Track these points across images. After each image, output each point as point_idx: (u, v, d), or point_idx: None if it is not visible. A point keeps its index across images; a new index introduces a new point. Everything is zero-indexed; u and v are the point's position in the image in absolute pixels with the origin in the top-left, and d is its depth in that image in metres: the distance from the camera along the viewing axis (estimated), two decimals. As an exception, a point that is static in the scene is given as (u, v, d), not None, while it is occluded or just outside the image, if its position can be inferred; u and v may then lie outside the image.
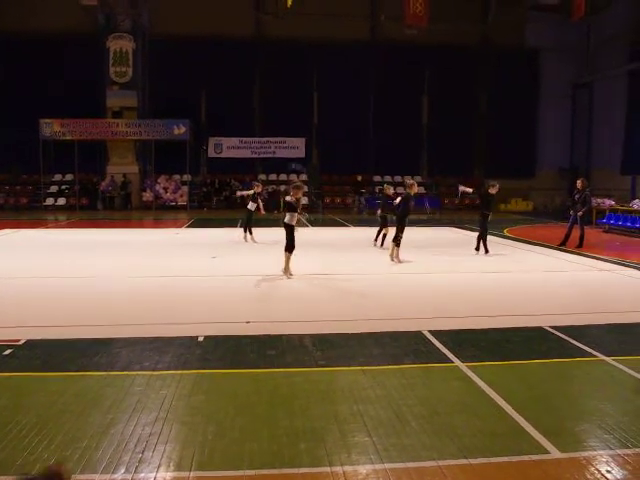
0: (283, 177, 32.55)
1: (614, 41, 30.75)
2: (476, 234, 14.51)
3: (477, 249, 14.20)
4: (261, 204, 16.28)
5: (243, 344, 6.86)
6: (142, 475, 4.01)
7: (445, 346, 6.80)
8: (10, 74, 30.15)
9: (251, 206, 16.08)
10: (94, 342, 6.87)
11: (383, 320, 7.97)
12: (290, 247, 10.89)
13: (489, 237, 14.38)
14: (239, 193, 19.10)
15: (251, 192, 16.25)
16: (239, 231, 17.35)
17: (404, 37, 29.62)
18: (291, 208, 10.87)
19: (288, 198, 10.98)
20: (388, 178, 33.33)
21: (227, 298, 9.46)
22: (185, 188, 31.54)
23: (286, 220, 10.89)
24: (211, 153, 32.30)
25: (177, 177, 32.03)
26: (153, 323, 7.81)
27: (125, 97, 30.59)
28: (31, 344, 6.79)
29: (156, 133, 30.46)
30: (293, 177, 31.41)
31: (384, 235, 15.18)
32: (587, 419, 5.00)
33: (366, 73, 32.54)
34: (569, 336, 7.24)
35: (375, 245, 15.38)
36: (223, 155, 32.21)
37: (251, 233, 16.31)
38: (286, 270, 11.06)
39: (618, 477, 4.07)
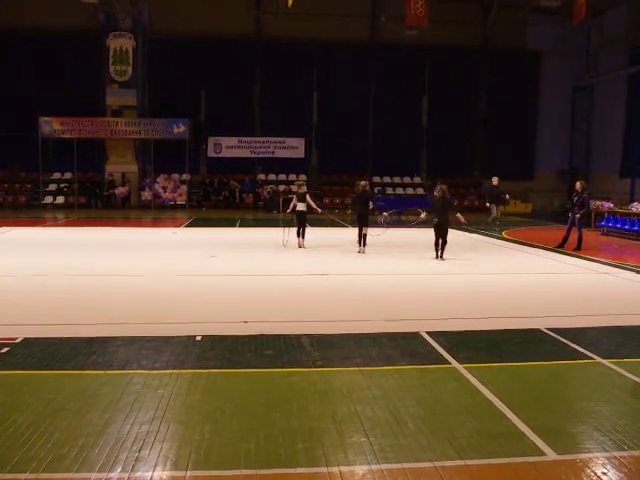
0: (282, 177, 32.52)
1: (615, 44, 30.76)
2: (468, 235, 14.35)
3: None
4: (312, 203, 14.77)
5: (240, 344, 6.86)
6: (139, 474, 4.01)
7: (442, 347, 6.80)
8: (9, 72, 30.04)
9: (301, 207, 14.68)
10: (91, 340, 6.87)
11: (381, 321, 7.97)
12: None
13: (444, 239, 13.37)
14: (292, 206, 15.26)
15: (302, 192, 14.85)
16: (278, 235, 15.53)
17: (404, 38, 29.57)
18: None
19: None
20: (387, 179, 33.36)
21: (225, 297, 9.47)
22: (184, 187, 31.51)
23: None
24: (210, 152, 32.22)
25: (176, 176, 31.95)
26: (151, 322, 7.80)
27: (125, 96, 30.52)
28: (28, 342, 6.79)
29: (155, 132, 30.43)
30: (292, 177, 31.50)
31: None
32: (583, 421, 5.01)
33: (366, 73, 32.48)
34: (566, 338, 7.25)
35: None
36: (222, 155, 32.13)
37: (303, 237, 14.95)
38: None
39: (614, 479, 4.07)
